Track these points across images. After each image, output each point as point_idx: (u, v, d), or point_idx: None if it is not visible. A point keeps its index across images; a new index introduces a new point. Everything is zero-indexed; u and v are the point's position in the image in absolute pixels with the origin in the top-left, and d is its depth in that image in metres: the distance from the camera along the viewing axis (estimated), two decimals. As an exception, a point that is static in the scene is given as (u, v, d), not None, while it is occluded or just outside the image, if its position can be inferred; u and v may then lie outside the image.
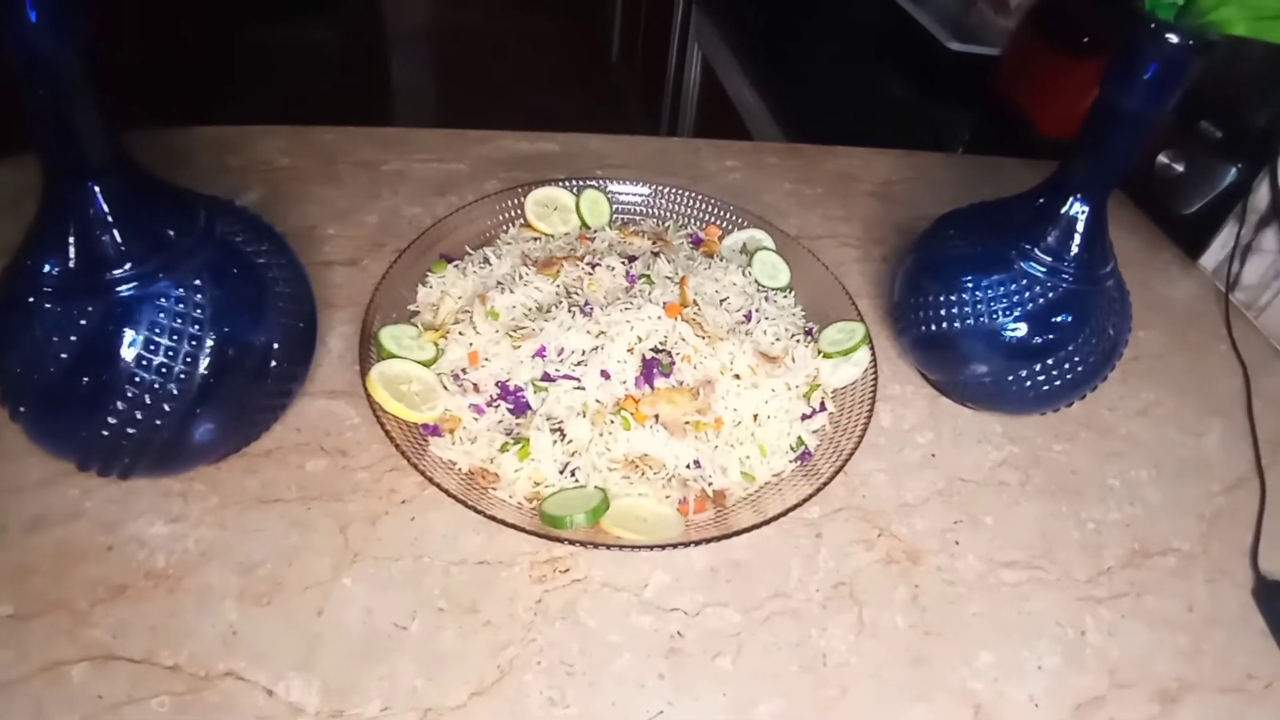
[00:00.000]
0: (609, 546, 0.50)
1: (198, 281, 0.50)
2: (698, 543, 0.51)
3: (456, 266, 0.69)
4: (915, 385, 0.73)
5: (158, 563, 0.53)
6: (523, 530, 0.50)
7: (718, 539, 0.52)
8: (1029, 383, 0.64)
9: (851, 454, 0.59)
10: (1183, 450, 0.73)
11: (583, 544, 0.50)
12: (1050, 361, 0.63)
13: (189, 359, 0.49)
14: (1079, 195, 0.61)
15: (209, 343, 0.50)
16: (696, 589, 0.55)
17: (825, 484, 0.56)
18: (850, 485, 0.63)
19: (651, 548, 0.51)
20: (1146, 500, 0.68)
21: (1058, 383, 0.64)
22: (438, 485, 0.51)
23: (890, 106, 1.37)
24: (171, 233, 0.49)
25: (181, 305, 0.48)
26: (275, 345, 0.53)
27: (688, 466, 0.57)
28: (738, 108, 1.51)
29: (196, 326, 0.49)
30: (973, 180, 1.00)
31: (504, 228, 0.76)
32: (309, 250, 0.77)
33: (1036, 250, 0.62)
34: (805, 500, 0.55)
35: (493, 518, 0.50)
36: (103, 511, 0.55)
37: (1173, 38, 0.53)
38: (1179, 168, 1.01)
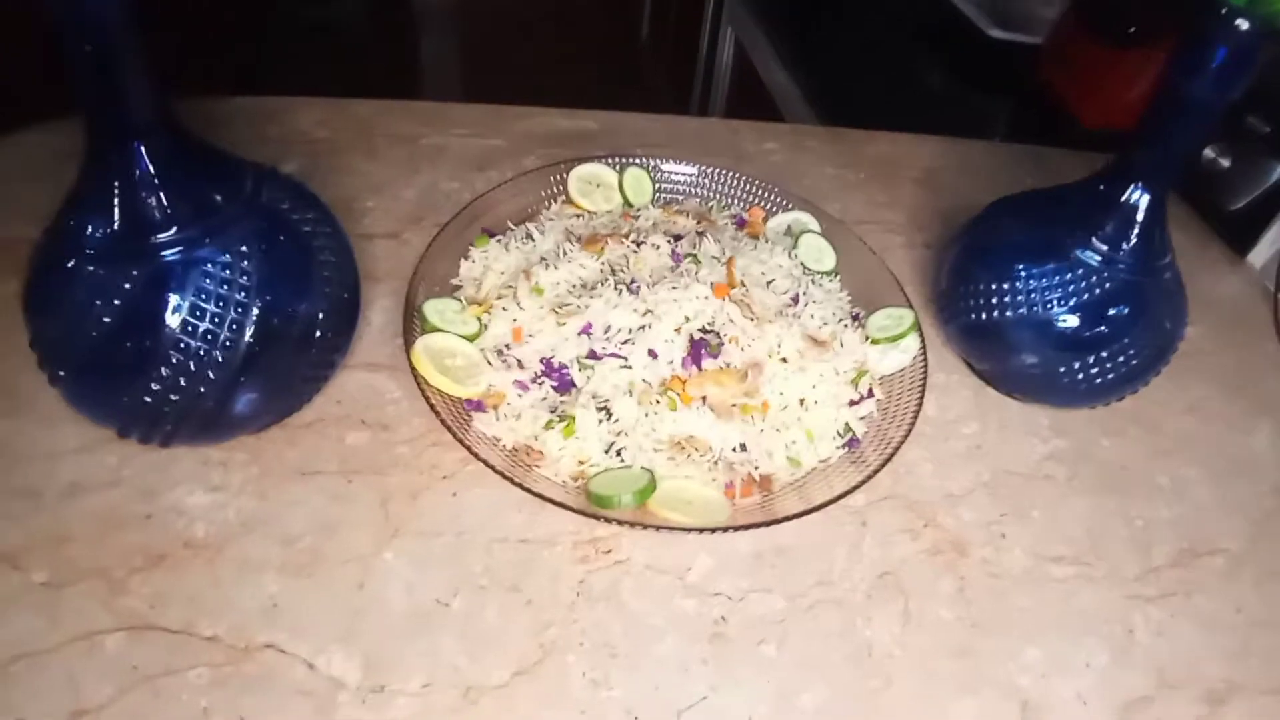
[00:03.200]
0: (657, 528, 0.49)
1: (244, 248, 0.49)
2: (745, 527, 0.50)
3: (499, 241, 0.68)
4: (961, 374, 0.72)
5: (197, 532, 0.53)
6: (569, 509, 0.50)
7: (765, 525, 0.51)
8: (1080, 376, 0.63)
9: (900, 444, 0.57)
10: (1232, 449, 0.72)
11: (630, 524, 0.50)
12: (1104, 355, 0.61)
13: (234, 326, 0.48)
14: (1140, 184, 0.59)
15: (255, 311, 0.49)
16: (741, 574, 0.54)
17: (873, 473, 0.55)
18: (895, 474, 0.62)
19: (700, 531, 0.50)
20: (1195, 499, 0.67)
21: (1110, 377, 0.62)
22: (483, 460, 0.50)
23: (927, 93, 1.34)
24: (218, 197, 0.48)
25: (228, 271, 0.48)
26: (320, 315, 0.52)
27: (734, 450, 0.56)
28: (770, 90, 1.49)
29: (243, 294, 0.48)
30: (1017, 169, 0.98)
31: (546, 204, 0.75)
32: (348, 222, 0.75)
33: (1094, 240, 0.61)
34: (853, 489, 0.53)
35: (539, 495, 0.49)
36: (141, 479, 0.55)
37: (1243, 24, 0.51)
38: (1225, 163, 0.98)
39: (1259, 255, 0.95)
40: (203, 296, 0.47)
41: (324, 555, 0.53)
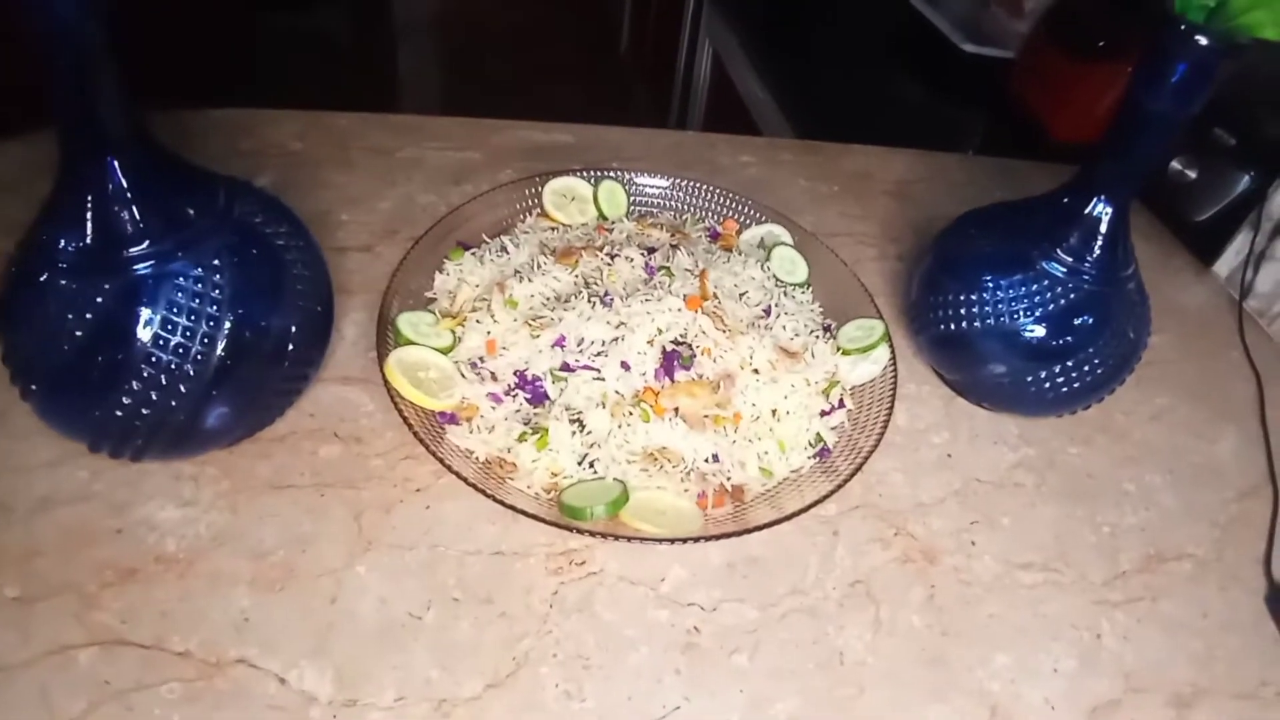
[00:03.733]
0: (629, 539, 0.50)
1: (216, 262, 0.49)
2: (717, 537, 0.51)
3: (474, 254, 0.68)
4: (932, 385, 0.73)
5: (168, 547, 0.53)
6: (542, 520, 0.50)
7: (737, 534, 0.51)
8: (1048, 385, 0.64)
9: (870, 453, 0.58)
10: (1196, 456, 0.73)
11: (602, 535, 0.50)
12: (1070, 363, 0.62)
13: (206, 340, 0.48)
14: (1103, 196, 0.61)
15: (226, 324, 0.49)
16: (713, 584, 0.55)
17: (844, 482, 0.55)
18: (867, 484, 0.63)
19: (671, 541, 0.50)
20: (1161, 505, 0.68)
21: (1076, 385, 0.64)
22: (455, 473, 0.50)
23: (902, 106, 1.36)
24: (191, 211, 0.48)
25: (199, 285, 0.48)
26: (292, 329, 0.52)
27: (706, 460, 0.56)
28: (747, 103, 1.50)
29: (214, 307, 0.48)
30: (988, 182, 1.00)
31: (521, 217, 0.76)
32: (323, 235, 0.75)
33: (1058, 251, 0.62)
34: (824, 498, 0.54)
35: (511, 507, 0.49)
36: (112, 493, 0.55)
37: (1202, 40, 0.52)
38: (1192, 174, 1.00)
39: (1224, 265, 0.97)
40: (174, 310, 0.47)
41: (296, 569, 0.53)
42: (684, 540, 0.50)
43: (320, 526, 0.55)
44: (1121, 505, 0.67)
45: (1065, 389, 0.64)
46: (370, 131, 0.91)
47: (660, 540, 0.50)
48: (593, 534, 0.50)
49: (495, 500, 0.50)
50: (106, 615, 0.49)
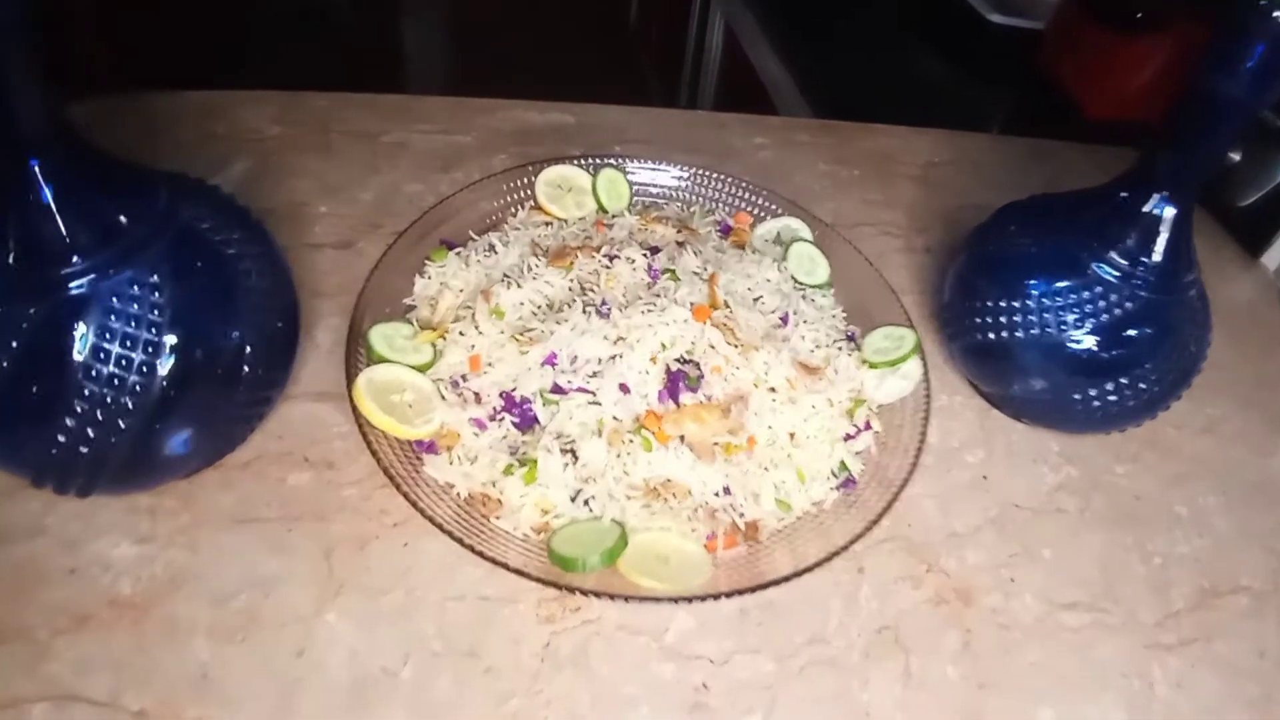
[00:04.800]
0: (627, 599, 0.44)
1: (155, 277, 0.43)
2: (728, 595, 0.45)
3: (459, 254, 0.62)
4: (964, 395, 0.66)
5: (123, 589, 0.48)
6: (528, 577, 0.44)
7: (750, 590, 0.45)
8: (1096, 402, 0.57)
9: (903, 486, 0.52)
10: (1251, 473, 0.67)
11: (596, 595, 0.44)
12: (1123, 380, 0.56)
13: (145, 367, 0.43)
14: (1164, 193, 0.54)
15: (169, 346, 0.43)
16: (724, 633, 0.49)
17: (874, 522, 0.49)
18: (895, 512, 0.56)
19: (676, 600, 0.44)
20: (1215, 531, 0.62)
21: (1130, 403, 0.57)
22: (429, 518, 0.44)
23: (924, 81, 1.28)
24: (124, 219, 0.42)
25: (136, 305, 0.42)
26: (248, 348, 0.46)
27: (716, 494, 0.50)
28: (762, 79, 1.42)
29: (154, 330, 0.43)
30: (1021, 165, 0.92)
31: (512, 209, 0.69)
32: (297, 230, 0.70)
33: (1112, 253, 0.55)
34: (852, 542, 0.48)
35: (493, 560, 0.44)
36: (64, 528, 0.49)
37: (1286, 18, 0.45)
38: (1235, 157, 0.93)
39: (1273, 257, 0.89)
40: (108, 334, 0.41)
41: (259, 617, 0.47)
42: (691, 599, 0.44)
43: (287, 566, 0.49)
44: (1173, 531, 0.61)
45: (1116, 407, 0.57)
46: (353, 113, 0.84)
47: (661, 600, 0.44)
48: (584, 592, 0.44)
49: (476, 552, 0.44)
50: (59, 666, 0.44)
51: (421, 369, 0.53)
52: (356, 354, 0.53)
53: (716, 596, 0.44)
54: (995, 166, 0.92)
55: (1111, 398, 0.57)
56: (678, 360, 0.52)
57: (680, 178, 0.73)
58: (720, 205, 0.73)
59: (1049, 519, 0.60)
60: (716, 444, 0.50)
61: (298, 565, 0.49)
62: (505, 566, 0.43)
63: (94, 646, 0.45)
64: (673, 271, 0.58)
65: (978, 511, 0.59)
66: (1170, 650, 0.54)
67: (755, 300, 0.60)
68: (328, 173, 0.77)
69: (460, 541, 0.44)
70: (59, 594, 0.47)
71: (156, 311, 0.42)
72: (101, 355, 0.41)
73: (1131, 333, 0.55)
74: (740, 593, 0.45)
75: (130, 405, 0.43)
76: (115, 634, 0.46)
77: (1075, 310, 0.56)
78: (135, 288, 0.42)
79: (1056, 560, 0.57)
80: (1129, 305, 0.55)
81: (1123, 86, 1.09)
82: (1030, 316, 0.57)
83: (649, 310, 0.53)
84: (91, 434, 0.43)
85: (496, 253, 0.61)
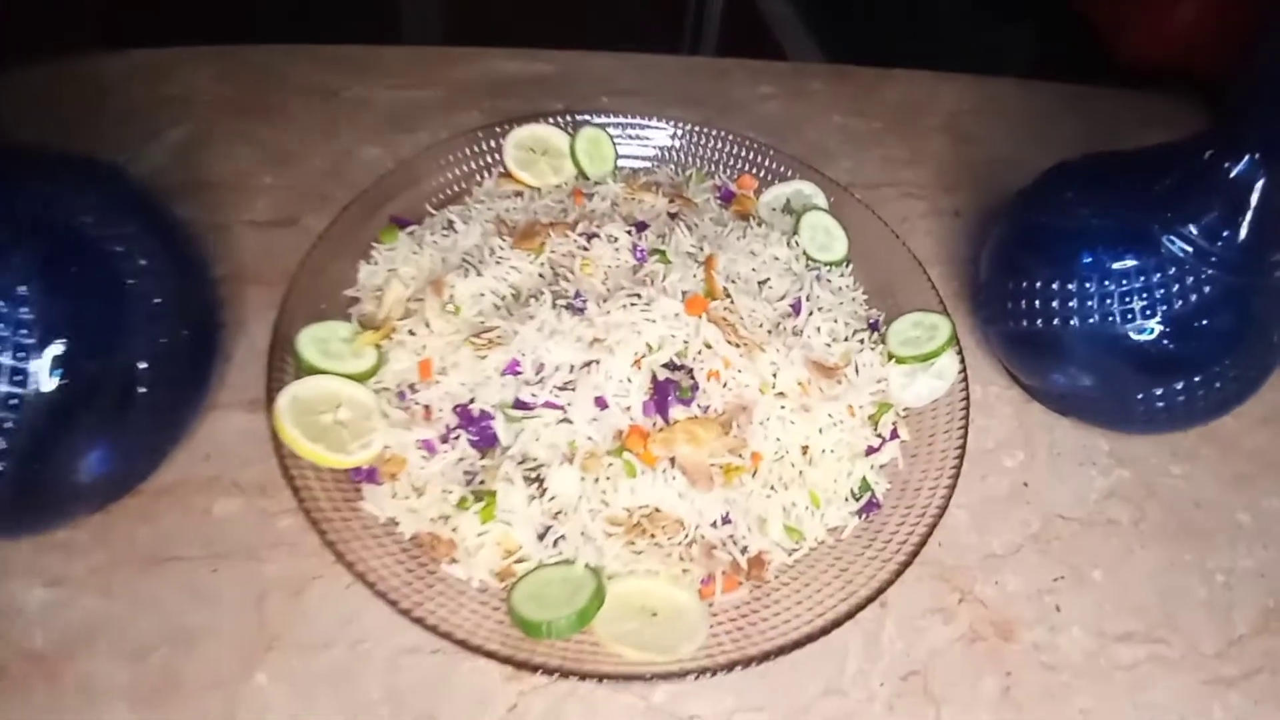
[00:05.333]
0: (601, 678, 0.36)
1: (23, 288, 0.35)
2: (727, 668, 0.37)
3: (411, 234, 0.53)
4: (1000, 386, 0.58)
5: (36, 641, 0.41)
6: (479, 652, 0.36)
7: (756, 660, 0.38)
8: (1161, 403, 0.49)
9: (939, 517, 0.44)
10: (1322, 469, 0.58)
11: (564, 674, 0.36)
12: (1197, 378, 0.47)
13: (12, 400, 0.35)
14: (1257, 155, 0.44)
15: (43, 371, 0.35)
16: (723, 688, 0.42)
17: (907, 563, 0.41)
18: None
19: (665, 677, 0.37)
20: (1280, 539, 0.54)
21: (1200, 404, 0.49)
22: (359, 575, 0.37)
23: (940, 20, 1.16)
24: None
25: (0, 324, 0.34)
26: (141, 365, 0.38)
27: (714, 525, 0.42)
28: (768, 20, 1.30)
29: (21, 354, 0.35)
30: (1056, 113, 0.82)
31: (478, 177, 0.60)
32: (237, 206, 0.62)
33: (1189, 227, 0.46)
34: (880, 592, 0.40)
35: (433, 629, 0.36)
36: (-29, 567, 0.43)
37: None
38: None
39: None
40: (-42, 363, 0.33)
41: (180, 678, 0.40)
42: (679, 675, 0.36)
43: (211, 616, 0.42)
44: (1235, 543, 0.54)
45: (1184, 407, 0.49)
46: (308, 68, 0.74)
47: (646, 677, 0.36)
48: (548, 671, 0.36)
49: (417, 621, 0.36)
50: None
51: (362, 378, 0.45)
52: (282, 363, 0.44)
53: (713, 672, 0.37)
54: (1028, 116, 0.81)
55: (1180, 398, 0.48)
56: (667, 366, 0.44)
57: (675, 135, 0.63)
58: (721, 167, 0.63)
59: (1099, 533, 0.52)
60: (714, 466, 0.42)
61: (224, 615, 0.42)
62: (449, 639, 0.36)
63: (10, 707, 0.39)
64: (662, 253, 0.49)
65: (1017, 526, 0.51)
66: (1232, 685, 0.48)
67: (761, 284, 0.51)
68: (277, 139, 0.68)
69: (396, 606, 0.36)
70: (-30, 643, 0.41)
71: (25, 331, 0.35)
72: (-46, 383, 0.34)
73: (1207, 322, 0.47)
74: (743, 664, 0.37)
75: (2, 443, 0.35)
76: (31, 692, 0.40)
77: (1142, 295, 0.47)
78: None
79: (1108, 583, 0.50)
80: (1206, 290, 0.46)
81: (1160, 26, 0.96)
82: (1087, 302, 0.48)
83: (633, 304, 0.45)
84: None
85: (456, 231, 0.52)
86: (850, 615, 0.39)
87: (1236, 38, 0.79)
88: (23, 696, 0.39)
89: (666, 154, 0.63)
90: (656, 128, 0.63)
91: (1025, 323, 0.51)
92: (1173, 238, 0.46)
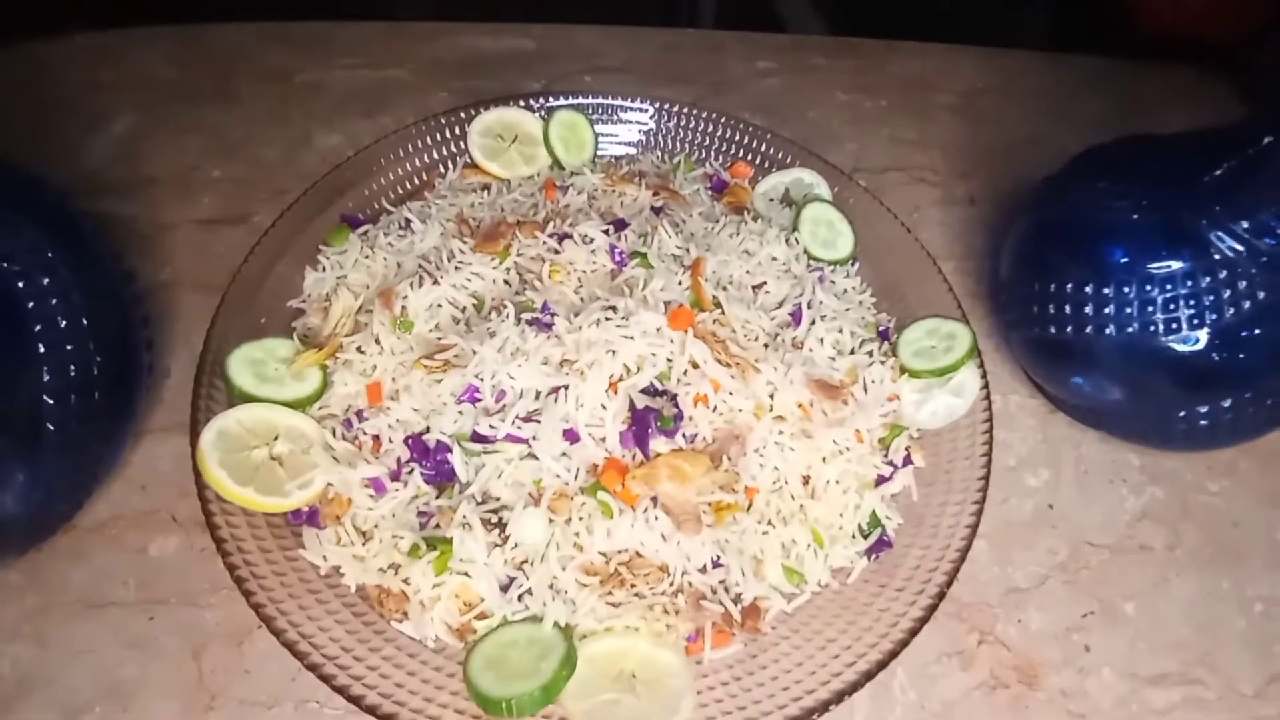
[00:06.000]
0: None
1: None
2: None
3: (364, 236, 0.48)
4: (1021, 395, 0.53)
5: None
6: None
7: None
8: (1205, 421, 0.44)
9: (961, 558, 0.39)
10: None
11: None
12: (1247, 394, 0.42)
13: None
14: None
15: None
16: (717, 750, 0.37)
17: (925, 617, 0.36)
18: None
19: None
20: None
21: (1248, 422, 0.44)
22: (288, 645, 0.32)
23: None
24: None
25: None
26: (46, 398, 0.33)
27: (702, 570, 0.37)
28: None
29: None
30: (1078, 88, 0.76)
31: (442, 167, 0.54)
32: (182, 203, 0.57)
33: (1243, 224, 0.40)
34: (895, 653, 0.35)
35: (371, 711, 0.31)
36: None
37: None
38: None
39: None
40: None
41: (115, 739, 0.36)
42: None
43: (147, 669, 0.39)
44: (1274, 568, 0.49)
45: (1230, 426, 0.44)
46: (264, 48, 0.69)
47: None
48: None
49: (357, 704, 0.31)
50: None
51: (303, 404, 0.40)
52: (212, 389, 0.39)
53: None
54: (1049, 93, 0.75)
55: (1227, 415, 0.43)
56: (646, 391, 0.38)
57: (662, 118, 0.57)
58: (713, 153, 0.57)
59: (1131, 561, 0.48)
60: (703, 505, 0.37)
61: (160, 667, 0.39)
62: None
63: None
64: (644, 256, 0.44)
65: (1043, 555, 0.47)
66: (1271, 727, 0.43)
67: (756, 289, 0.46)
68: (226, 126, 0.62)
69: (333, 683, 0.31)
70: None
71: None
72: None
73: (1259, 331, 0.41)
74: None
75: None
76: None
77: (1188, 301, 0.41)
78: None
79: (1141, 618, 0.46)
80: (1260, 295, 0.41)
81: None
82: (1126, 308, 0.42)
83: (608, 318, 0.39)
84: None
85: (413, 232, 0.46)
86: (858, 685, 0.35)
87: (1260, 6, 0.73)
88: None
89: (652, 139, 0.57)
90: (639, 112, 0.57)
91: (1053, 329, 0.45)
92: (1222, 235, 0.41)
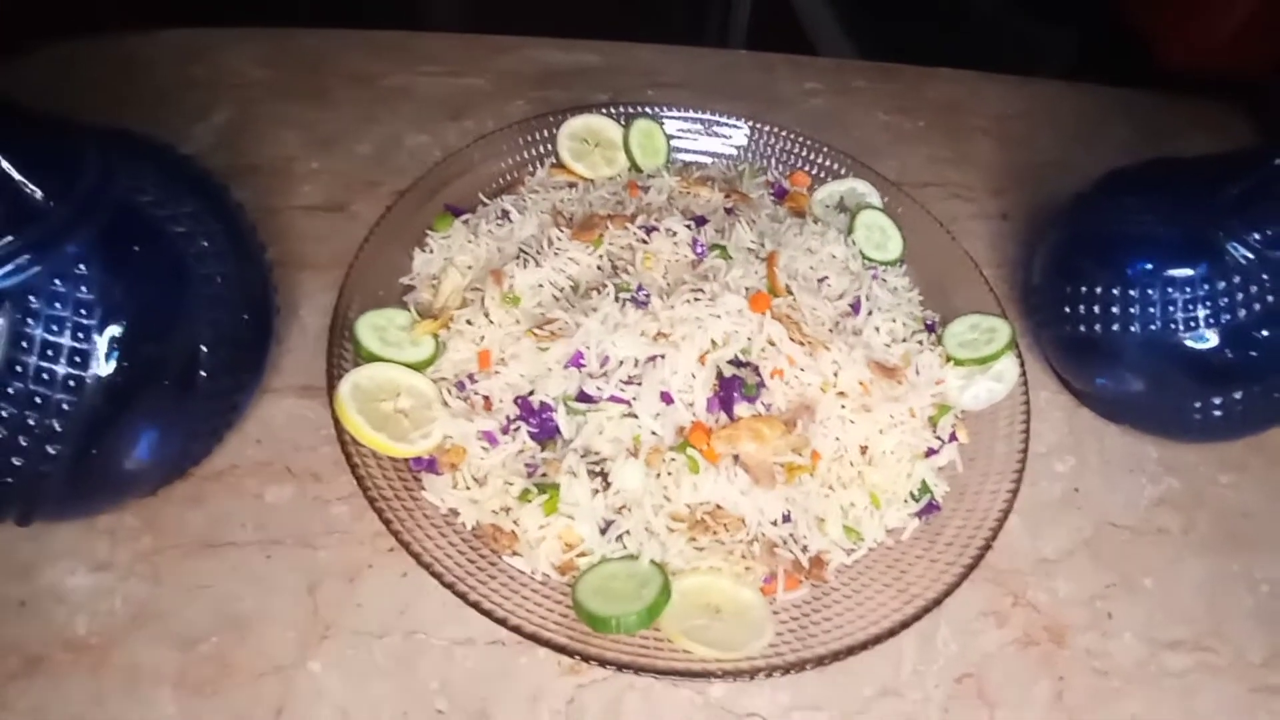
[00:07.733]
0: (675, 674, 0.36)
1: (83, 267, 0.35)
2: (794, 668, 0.37)
3: (466, 223, 0.53)
4: (1050, 391, 0.58)
5: (79, 629, 0.41)
6: (546, 644, 0.36)
7: (822, 661, 0.38)
8: (1218, 412, 0.49)
9: (1000, 524, 0.44)
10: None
11: (635, 670, 0.36)
12: (1256, 389, 0.47)
13: (72, 381, 0.35)
14: (1331, 159, 0.44)
15: (102, 353, 0.35)
16: (779, 686, 0.42)
17: (966, 573, 0.41)
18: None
19: (736, 677, 0.37)
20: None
21: (1257, 414, 0.49)
22: (425, 565, 0.37)
23: (975, 20, 1.14)
24: (41, 194, 0.33)
25: (59, 305, 0.34)
26: (202, 348, 0.38)
27: (775, 523, 0.42)
28: (798, 14, 1.29)
29: (81, 334, 0.35)
30: (1104, 116, 0.81)
31: (530, 167, 0.59)
32: (283, 190, 0.62)
33: (1255, 235, 0.46)
34: (941, 599, 0.40)
35: (500, 620, 0.36)
36: (14, 551, 0.43)
37: None
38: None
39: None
40: (23, 344, 0.33)
41: (233, 665, 0.40)
42: (748, 674, 0.36)
43: (265, 602, 0.42)
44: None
45: (1241, 418, 0.49)
46: (350, 53, 0.74)
47: (715, 675, 0.36)
48: (620, 668, 0.36)
49: (480, 611, 0.36)
50: (11, 717, 0.39)
51: (420, 367, 0.45)
52: (341, 349, 0.44)
53: (783, 671, 0.36)
54: (1076, 120, 0.81)
55: (1239, 407, 0.48)
56: (732, 362, 0.43)
57: (731, 128, 0.62)
58: (773, 163, 0.63)
59: (1149, 541, 0.52)
60: (778, 464, 0.42)
61: (277, 601, 0.42)
62: (519, 631, 0.35)
63: (49, 694, 0.39)
64: (723, 248, 0.49)
65: (1070, 532, 0.51)
66: (1277, 693, 0.47)
67: (820, 282, 0.51)
68: (320, 123, 0.67)
69: (464, 598, 0.36)
70: (11, 631, 0.41)
71: (85, 311, 0.34)
72: (18, 366, 0.33)
73: (1268, 332, 0.46)
74: (805, 665, 0.37)
75: (59, 427, 0.35)
76: (72, 681, 0.40)
77: (1204, 303, 0.46)
78: (57, 282, 0.34)
79: (1159, 591, 0.50)
80: (1269, 299, 0.46)
81: (1206, 35, 0.95)
82: (1148, 309, 0.47)
83: (696, 298, 0.44)
84: (17, 462, 0.35)
85: (511, 221, 0.52)
86: (908, 623, 0.39)
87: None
88: (63, 685, 0.39)
89: (720, 148, 0.63)
90: (711, 121, 0.63)
91: (1081, 327, 0.50)
92: (1236, 245, 0.46)
